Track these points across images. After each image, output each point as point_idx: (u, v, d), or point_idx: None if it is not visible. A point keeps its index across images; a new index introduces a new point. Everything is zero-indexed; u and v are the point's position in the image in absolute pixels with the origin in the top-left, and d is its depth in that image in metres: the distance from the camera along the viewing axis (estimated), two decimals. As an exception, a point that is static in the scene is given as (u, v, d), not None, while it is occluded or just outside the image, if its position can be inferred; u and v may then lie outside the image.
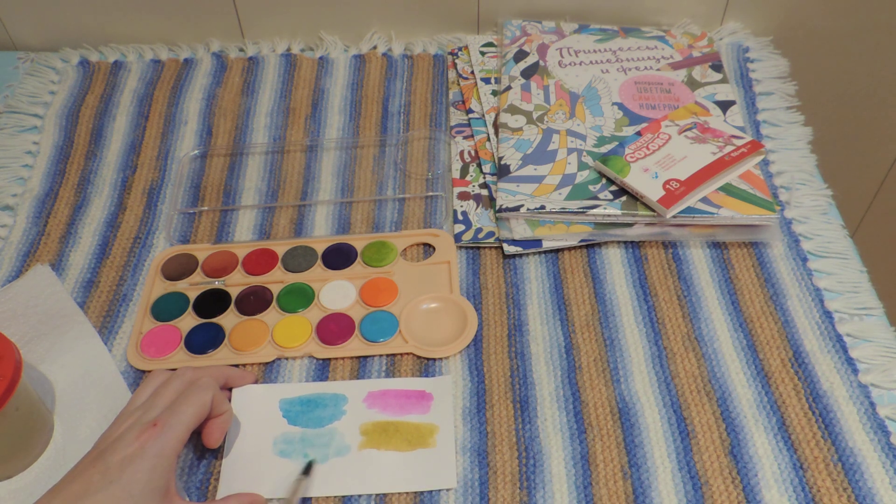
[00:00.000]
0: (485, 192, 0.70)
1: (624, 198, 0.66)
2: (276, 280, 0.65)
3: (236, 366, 0.59)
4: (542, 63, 0.79)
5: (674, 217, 0.65)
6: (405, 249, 0.67)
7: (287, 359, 0.60)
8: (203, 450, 0.55)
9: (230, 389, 0.57)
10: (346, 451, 0.54)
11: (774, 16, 0.85)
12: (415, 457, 0.54)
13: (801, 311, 0.61)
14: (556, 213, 0.65)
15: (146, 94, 0.81)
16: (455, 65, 0.82)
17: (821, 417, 0.55)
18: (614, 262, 0.65)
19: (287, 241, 0.68)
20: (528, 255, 0.66)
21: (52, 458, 0.54)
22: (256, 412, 0.56)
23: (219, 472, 0.54)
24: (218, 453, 0.55)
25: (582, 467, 0.54)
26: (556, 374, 0.58)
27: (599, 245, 0.66)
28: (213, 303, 0.63)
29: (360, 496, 0.53)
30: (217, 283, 0.65)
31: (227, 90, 0.82)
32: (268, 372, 0.59)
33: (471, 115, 0.76)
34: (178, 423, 0.47)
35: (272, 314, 0.63)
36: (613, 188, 0.67)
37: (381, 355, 0.60)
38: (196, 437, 0.55)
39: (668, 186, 0.65)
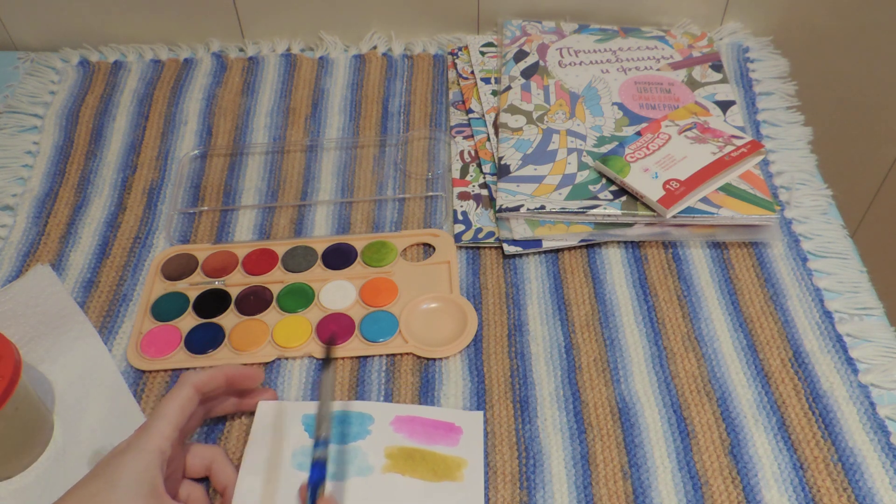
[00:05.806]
0: (485, 192, 0.70)
1: (624, 198, 0.66)
2: (276, 280, 0.65)
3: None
4: (542, 63, 0.79)
5: (674, 217, 0.65)
6: (405, 249, 0.67)
7: (287, 359, 0.60)
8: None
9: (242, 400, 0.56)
10: (368, 471, 0.51)
11: (774, 16, 0.85)
12: (441, 489, 0.51)
13: (801, 311, 0.61)
14: (556, 213, 0.65)
15: (146, 94, 0.81)
16: (455, 65, 0.82)
17: (821, 417, 0.55)
18: (614, 262, 0.65)
19: (287, 241, 0.68)
20: (528, 255, 0.66)
21: (52, 458, 0.54)
22: (277, 427, 0.54)
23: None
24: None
25: (582, 467, 0.53)
26: (556, 374, 0.58)
27: (599, 245, 0.66)
28: (213, 303, 0.63)
29: None
30: (217, 283, 0.65)
31: (227, 90, 0.82)
32: (268, 372, 0.59)
33: (471, 115, 0.76)
34: (158, 418, 0.48)
35: (272, 314, 0.63)
36: (613, 188, 0.67)
37: (381, 355, 0.60)
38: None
39: (668, 186, 0.65)
